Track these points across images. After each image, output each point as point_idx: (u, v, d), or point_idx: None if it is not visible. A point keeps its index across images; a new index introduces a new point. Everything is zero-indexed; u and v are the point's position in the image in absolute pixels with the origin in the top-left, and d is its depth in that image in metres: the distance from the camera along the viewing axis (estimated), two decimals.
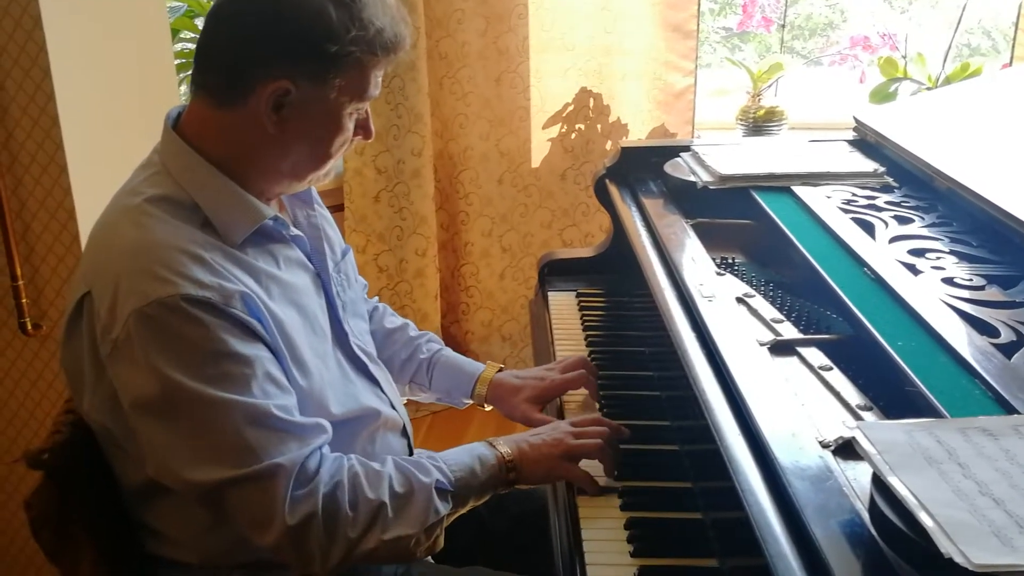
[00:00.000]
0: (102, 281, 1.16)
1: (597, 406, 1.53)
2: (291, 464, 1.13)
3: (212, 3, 1.26)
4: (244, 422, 1.12)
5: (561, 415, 1.52)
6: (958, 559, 0.70)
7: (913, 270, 1.30)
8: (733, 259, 1.61)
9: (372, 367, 1.42)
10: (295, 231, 1.32)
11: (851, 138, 1.93)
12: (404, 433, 1.44)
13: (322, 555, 1.15)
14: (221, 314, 1.13)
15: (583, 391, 1.56)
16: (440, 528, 1.22)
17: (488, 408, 1.58)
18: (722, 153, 1.82)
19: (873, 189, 1.65)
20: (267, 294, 1.22)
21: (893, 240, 1.41)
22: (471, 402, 1.58)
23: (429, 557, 1.42)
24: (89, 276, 1.19)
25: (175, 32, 2.73)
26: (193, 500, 1.18)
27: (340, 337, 1.38)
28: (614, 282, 1.93)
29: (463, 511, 1.27)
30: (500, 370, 1.57)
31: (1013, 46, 2.92)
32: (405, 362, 1.59)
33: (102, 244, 1.21)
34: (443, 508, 1.21)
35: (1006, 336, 1.11)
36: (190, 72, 2.83)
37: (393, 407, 1.43)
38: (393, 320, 1.64)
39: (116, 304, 1.13)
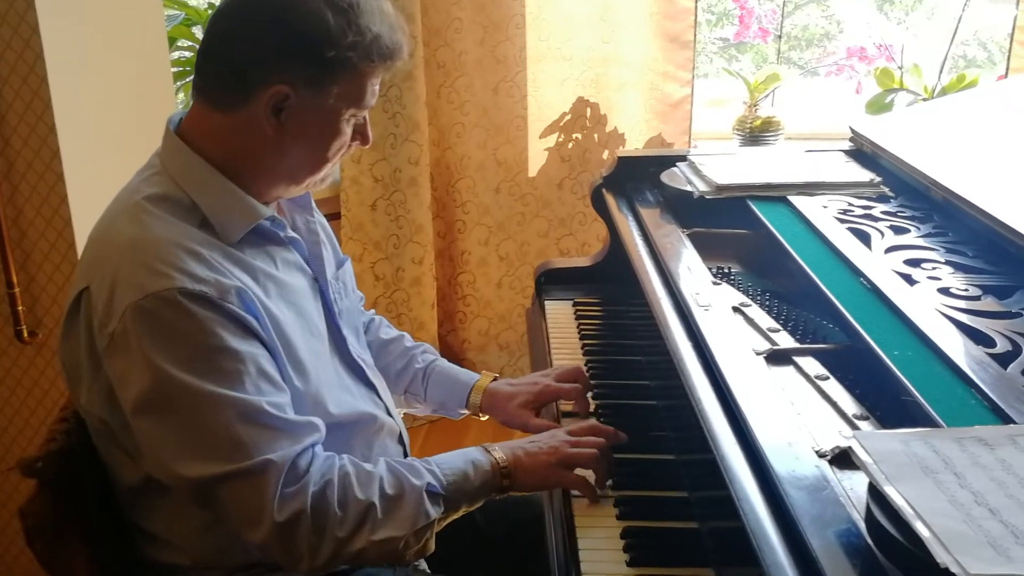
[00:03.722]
0: (100, 276, 1.17)
1: (592, 411, 1.53)
2: (281, 461, 1.14)
3: (213, 9, 1.27)
4: (236, 417, 1.13)
5: (558, 421, 1.52)
6: (954, 569, 0.70)
7: (909, 280, 1.30)
8: (729, 269, 1.61)
9: (370, 373, 1.43)
10: (292, 234, 1.34)
11: (847, 148, 1.93)
12: (400, 440, 1.44)
13: (310, 553, 1.15)
14: (217, 309, 1.15)
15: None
16: (431, 531, 1.22)
17: (484, 418, 1.58)
18: (719, 163, 1.82)
19: (869, 199, 1.65)
20: (264, 292, 1.23)
21: (889, 250, 1.41)
22: (467, 412, 1.58)
23: (425, 565, 1.42)
24: (87, 272, 1.21)
25: (172, 40, 2.72)
26: (186, 496, 1.18)
27: (338, 342, 1.38)
28: (611, 291, 1.93)
29: (456, 516, 1.27)
30: (495, 379, 1.57)
31: (1008, 57, 2.93)
32: (400, 372, 1.59)
33: (101, 241, 1.23)
34: (434, 512, 1.21)
35: (1002, 346, 1.11)
36: (187, 80, 2.85)
37: (389, 414, 1.43)
38: (389, 331, 1.64)
39: (113, 298, 1.15)
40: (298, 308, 1.29)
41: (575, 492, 1.32)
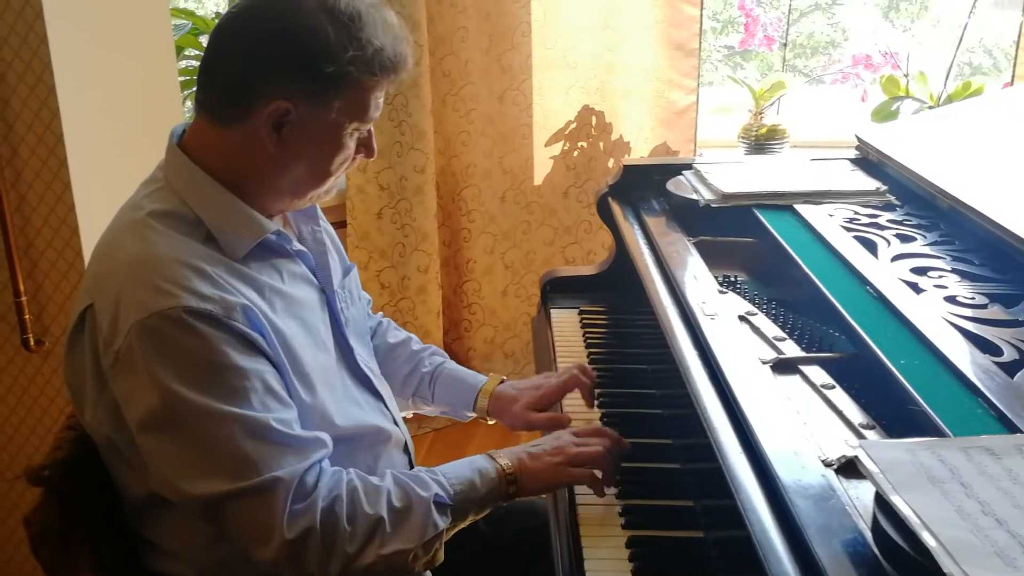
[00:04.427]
0: (104, 294, 1.17)
1: (598, 416, 1.53)
2: (290, 478, 1.13)
3: (216, 23, 1.27)
4: (243, 435, 1.13)
5: (561, 411, 1.53)
6: None
7: (915, 288, 1.29)
8: (735, 277, 1.61)
9: (377, 383, 1.42)
10: (298, 246, 1.33)
11: (853, 156, 1.93)
12: (405, 450, 1.44)
13: (320, 569, 1.14)
14: (222, 326, 1.14)
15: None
16: (439, 542, 1.22)
17: (492, 422, 1.57)
18: (724, 171, 1.82)
19: (875, 207, 1.65)
20: (270, 307, 1.22)
21: (895, 258, 1.41)
22: (475, 415, 1.58)
23: (430, 574, 1.42)
24: (92, 289, 1.20)
25: (179, 50, 2.74)
26: (194, 514, 1.18)
27: (345, 353, 1.38)
28: (616, 300, 1.93)
29: (463, 525, 1.26)
30: (502, 381, 1.57)
31: (1014, 65, 2.93)
32: (408, 376, 1.59)
33: (105, 258, 1.22)
34: (442, 522, 1.21)
35: (1009, 355, 1.11)
36: (194, 89, 2.86)
37: (396, 423, 1.43)
38: (396, 335, 1.63)
39: (118, 317, 1.14)
40: (304, 321, 1.28)
41: (581, 490, 1.32)
